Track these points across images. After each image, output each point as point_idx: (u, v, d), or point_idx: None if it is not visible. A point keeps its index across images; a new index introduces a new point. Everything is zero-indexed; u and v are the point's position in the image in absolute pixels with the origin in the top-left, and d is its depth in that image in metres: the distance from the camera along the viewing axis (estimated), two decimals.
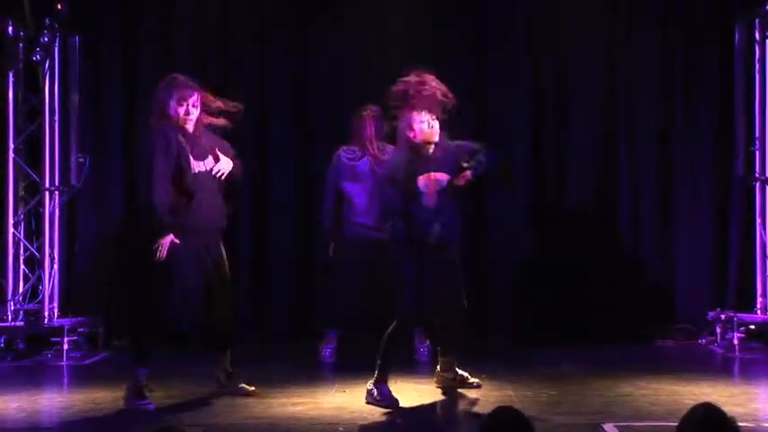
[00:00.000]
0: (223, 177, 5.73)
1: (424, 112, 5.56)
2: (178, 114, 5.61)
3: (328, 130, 7.81)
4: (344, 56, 8.13)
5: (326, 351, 7.04)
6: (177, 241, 5.50)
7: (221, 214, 5.77)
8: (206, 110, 5.74)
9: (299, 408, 5.50)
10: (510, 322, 8.04)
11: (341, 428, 5.01)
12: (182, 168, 5.58)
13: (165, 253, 5.48)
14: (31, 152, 7.84)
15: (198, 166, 5.63)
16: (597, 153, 8.17)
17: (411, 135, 5.59)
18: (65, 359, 7.24)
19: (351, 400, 5.70)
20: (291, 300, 8.15)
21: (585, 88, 8.14)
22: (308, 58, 8.19)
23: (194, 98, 5.65)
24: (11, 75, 7.69)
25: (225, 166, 5.73)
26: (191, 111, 5.63)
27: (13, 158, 7.74)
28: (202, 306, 5.68)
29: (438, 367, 6.01)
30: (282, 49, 8.21)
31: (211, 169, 5.68)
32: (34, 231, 7.87)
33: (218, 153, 5.74)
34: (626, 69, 8.14)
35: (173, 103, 5.62)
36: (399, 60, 7.81)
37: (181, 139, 5.59)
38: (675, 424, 3.14)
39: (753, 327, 7.37)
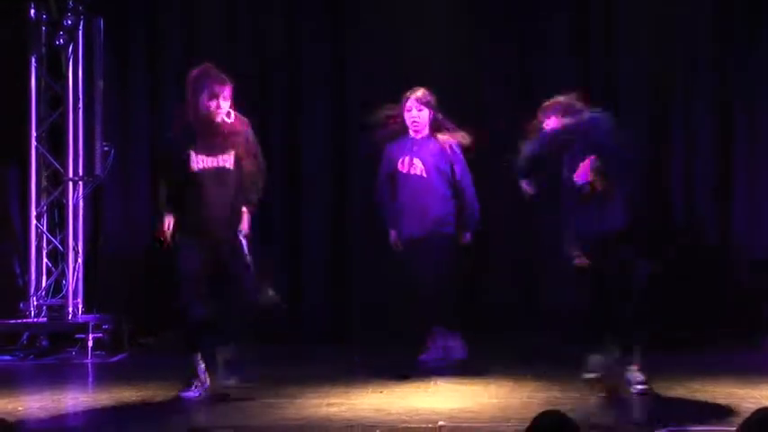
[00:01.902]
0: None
1: None
2: (209, 108, 5.70)
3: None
4: (382, 45, 8.10)
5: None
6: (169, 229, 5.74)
7: (232, 212, 5.81)
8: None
9: (333, 409, 5.51)
10: (558, 320, 8.00)
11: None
12: (184, 164, 5.71)
13: (167, 238, 5.74)
14: (54, 141, 7.91)
15: (204, 162, 5.72)
16: (648, 147, 8.10)
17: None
18: (89, 357, 7.30)
19: (388, 400, 5.70)
20: (326, 300, 8.18)
21: (635, 73, 8.10)
22: (346, 44, 8.18)
23: (226, 92, 5.74)
24: (33, 60, 7.76)
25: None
26: (221, 105, 5.74)
27: (36, 147, 7.81)
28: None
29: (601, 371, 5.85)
30: (316, 33, 8.20)
31: (224, 165, 5.76)
32: (57, 223, 7.94)
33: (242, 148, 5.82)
34: (680, 53, 8.08)
35: (203, 97, 5.71)
36: (439, 50, 7.96)
37: (182, 140, 5.73)
38: (734, 429, 3.11)
39: None
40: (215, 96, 5.71)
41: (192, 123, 5.77)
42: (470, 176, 6.83)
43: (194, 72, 5.82)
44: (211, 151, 5.76)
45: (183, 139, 5.77)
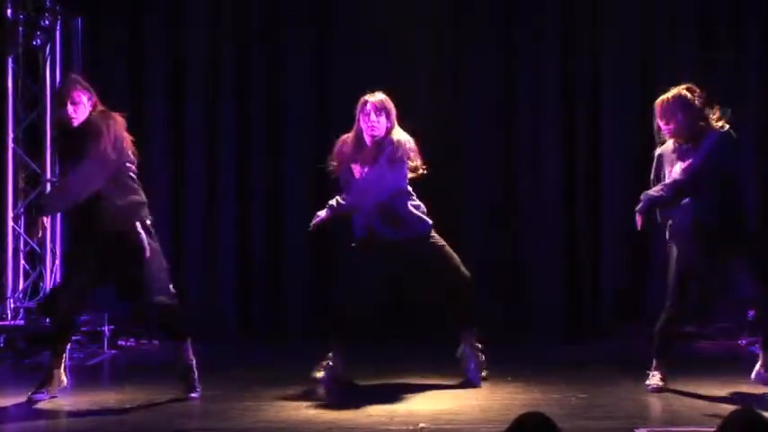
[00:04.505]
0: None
1: None
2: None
3: (346, 127, 7.78)
4: (365, 50, 8.11)
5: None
6: None
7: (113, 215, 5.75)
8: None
9: (313, 411, 5.51)
10: (538, 321, 8.04)
11: None
12: None
13: None
14: (32, 142, 7.89)
15: None
16: (634, 151, 8.13)
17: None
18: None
19: (368, 402, 5.70)
20: (307, 298, 8.18)
21: (619, 81, 8.16)
22: (329, 47, 8.22)
23: (75, 93, 5.77)
24: (10, 60, 7.73)
25: None
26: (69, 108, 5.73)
27: (13, 148, 7.78)
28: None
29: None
30: (299, 44, 8.23)
31: None
32: None
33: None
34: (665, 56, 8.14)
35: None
36: (424, 56, 8.00)
37: None
38: (713, 429, 3.12)
39: None
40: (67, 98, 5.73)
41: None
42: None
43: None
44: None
45: None
